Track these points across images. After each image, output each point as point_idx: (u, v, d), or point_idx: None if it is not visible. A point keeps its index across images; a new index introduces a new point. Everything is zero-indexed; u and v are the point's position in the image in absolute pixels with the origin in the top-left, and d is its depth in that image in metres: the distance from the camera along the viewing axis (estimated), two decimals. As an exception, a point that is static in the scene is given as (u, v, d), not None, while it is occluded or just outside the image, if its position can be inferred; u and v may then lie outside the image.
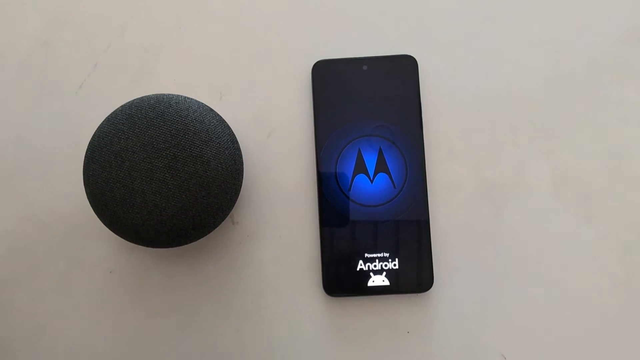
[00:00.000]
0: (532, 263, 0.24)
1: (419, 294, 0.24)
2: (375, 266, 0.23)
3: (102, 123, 0.21)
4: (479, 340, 0.24)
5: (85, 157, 0.21)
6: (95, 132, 0.21)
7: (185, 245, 0.24)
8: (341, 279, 0.23)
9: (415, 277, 0.23)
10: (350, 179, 0.24)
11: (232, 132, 0.22)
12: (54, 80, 0.26)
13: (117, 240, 0.24)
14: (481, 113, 0.25)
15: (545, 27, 0.25)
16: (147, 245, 0.21)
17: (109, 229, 0.21)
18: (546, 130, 0.25)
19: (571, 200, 0.24)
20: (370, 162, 0.24)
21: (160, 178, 0.20)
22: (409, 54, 0.25)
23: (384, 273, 0.23)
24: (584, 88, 0.25)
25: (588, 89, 0.25)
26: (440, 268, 0.24)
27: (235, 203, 0.22)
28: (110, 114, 0.21)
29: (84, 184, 0.21)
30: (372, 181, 0.24)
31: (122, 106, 0.21)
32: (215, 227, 0.22)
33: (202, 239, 0.24)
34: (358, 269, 0.23)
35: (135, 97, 0.22)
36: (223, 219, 0.22)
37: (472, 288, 0.24)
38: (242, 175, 0.22)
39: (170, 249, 0.24)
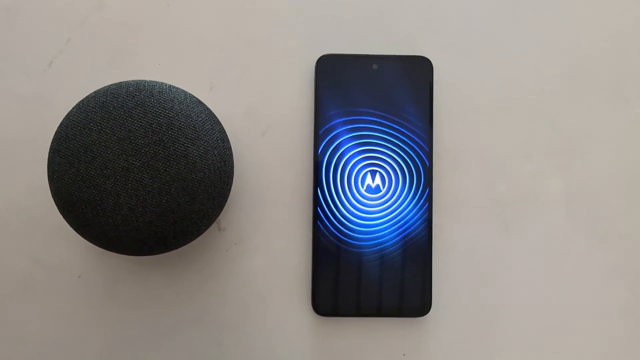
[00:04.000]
0: (538, 285, 0.23)
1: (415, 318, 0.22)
2: (369, 285, 0.22)
3: (71, 110, 0.19)
4: (478, 367, 0.22)
5: (50, 149, 0.19)
6: (62, 121, 0.19)
7: (165, 252, 0.22)
8: (332, 298, 0.22)
9: (412, 300, 0.22)
10: (350, 189, 0.22)
11: (223, 128, 0.20)
12: (18, 55, 0.23)
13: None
14: (495, 123, 0.23)
15: (568, 37, 0.24)
16: (120, 253, 0.19)
17: (77, 232, 0.19)
18: (563, 145, 0.23)
19: (584, 220, 0.23)
20: (373, 171, 0.22)
21: (138, 179, 0.18)
22: (424, 55, 0.23)
23: (379, 294, 0.22)
24: (606, 102, 0.23)
25: (610, 104, 0.23)
26: (440, 288, 0.22)
27: (222, 209, 0.20)
28: (82, 100, 0.19)
29: (49, 180, 0.19)
30: (373, 192, 0.22)
31: (95, 92, 0.19)
32: (199, 235, 0.20)
33: (183, 245, 0.22)
34: (351, 288, 0.22)
35: (112, 82, 0.19)
36: (208, 226, 0.20)
37: (474, 310, 0.23)
38: (232, 178, 0.20)
39: (147, 255, 0.22)
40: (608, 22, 0.24)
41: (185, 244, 0.20)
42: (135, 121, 0.18)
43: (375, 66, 0.22)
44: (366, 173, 0.22)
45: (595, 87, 0.24)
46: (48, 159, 0.19)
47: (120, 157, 0.18)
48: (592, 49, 0.24)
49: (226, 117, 0.22)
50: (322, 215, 0.22)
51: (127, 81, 0.19)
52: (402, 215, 0.22)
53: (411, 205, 0.22)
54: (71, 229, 0.22)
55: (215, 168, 0.19)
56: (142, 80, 0.19)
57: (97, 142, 0.18)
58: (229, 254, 0.23)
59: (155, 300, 0.22)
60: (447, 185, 0.23)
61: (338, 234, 0.22)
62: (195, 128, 0.18)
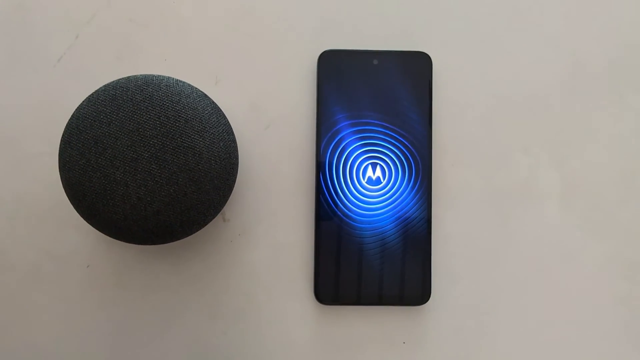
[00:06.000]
0: (535, 276, 0.23)
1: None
2: (370, 275, 0.22)
3: (81, 103, 0.19)
4: (478, 353, 0.23)
5: (61, 141, 0.19)
6: (73, 114, 0.19)
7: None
8: (334, 287, 0.22)
9: (412, 289, 0.22)
10: (351, 181, 0.23)
11: (228, 121, 0.21)
12: (29, 50, 0.23)
13: (96, 231, 0.23)
14: (494, 117, 0.24)
15: (565, 32, 0.24)
16: (129, 242, 0.19)
17: (87, 221, 0.19)
18: (559, 138, 0.24)
19: (580, 212, 0.23)
20: (374, 164, 0.23)
21: (146, 169, 0.18)
22: (423, 50, 0.23)
23: (380, 283, 0.22)
24: (602, 96, 0.24)
25: (606, 98, 0.24)
26: (440, 277, 0.23)
27: (228, 199, 0.21)
28: (92, 94, 0.19)
29: (60, 171, 0.19)
30: (374, 185, 0.23)
31: (105, 86, 0.19)
32: (205, 225, 0.20)
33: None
34: (352, 278, 0.22)
35: (120, 76, 0.20)
36: (214, 216, 0.20)
37: (472, 299, 0.23)
38: (237, 169, 0.21)
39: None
40: (605, 19, 0.24)
41: (191, 234, 0.20)
42: (144, 114, 0.18)
43: (375, 61, 0.23)
44: (367, 165, 0.23)
45: (592, 82, 0.24)
46: (59, 150, 0.19)
47: (129, 148, 0.18)
48: (588, 44, 0.24)
49: (231, 111, 0.22)
50: (324, 206, 0.23)
51: (135, 75, 0.20)
52: (402, 206, 0.23)
53: (411, 196, 0.23)
54: (80, 219, 0.22)
55: (221, 159, 0.19)
56: (150, 75, 0.20)
57: (107, 134, 0.18)
58: (233, 245, 0.23)
59: (162, 290, 0.23)
60: (446, 177, 0.23)
61: (340, 225, 0.22)
62: (202, 120, 0.19)
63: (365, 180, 0.23)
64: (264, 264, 0.23)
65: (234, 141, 0.21)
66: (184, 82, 0.20)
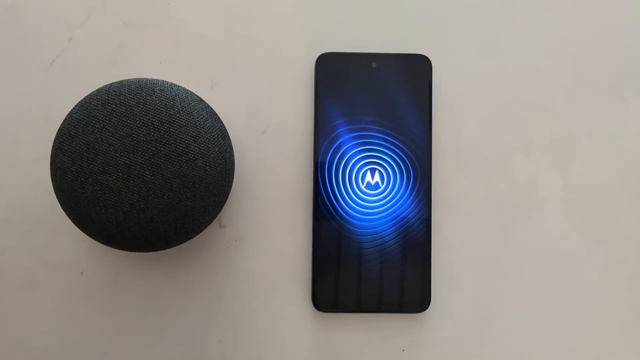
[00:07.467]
0: (535, 282, 0.23)
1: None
2: (369, 282, 0.22)
3: (73, 108, 0.19)
4: (477, 362, 0.23)
5: (53, 146, 0.19)
6: (65, 119, 0.19)
7: (166, 248, 0.22)
8: (332, 294, 0.22)
9: (411, 296, 0.22)
10: (350, 186, 0.22)
11: (224, 126, 0.20)
12: (21, 53, 0.23)
13: (89, 238, 0.22)
14: (494, 120, 0.23)
15: (566, 34, 0.24)
16: (122, 249, 0.19)
17: (79, 229, 0.19)
18: (561, 142, 0.23)
19: (582, 218, 0.23)
20: (372, 168, 0.22)
21: (139, 175, 0.18)
22: (423, 53, 0.23)
23: (379, 290, 0.22)
24: (605, 100, 0.24)
25: (609, 102, 0.24)
26: (439, 284, 0.23)
27: (223, 206, 0.20)
28: (84, 99, 0.19)
29: (52, 178, 0.19)
30: (372, 190, 0.22)
31: (97, 90, 0.19)
32: (200, 232, 0.20)
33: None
34: (351, 285, 0.22)
35: (113, 80, 0.20)
36: (209, 223, 0.20)
37: (473, 307, 0.23)
38: (233, 175, 0.20)
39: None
40: (607, 21, 0.24)
41: (186, 241, 0.20)
42: (137, 119, 0.18)
43: (374, 64, 0.23)
44: (366, 170, 0.23)
45: (594, 85, 0.24)
46: (51, 156, 0.19)
47: (122, 154, 0.18)
48: (590, 47, 0.24)
49: (227, 115, 0.22)
50: (322, 212, 0.22)
51: (129, 79, 0.19)
52: (401, 211, 0.22)
53: (410, 201, 0.22)
54: (73, 226, 0.22)
55: (216, 165, 0.19)
56: (143, 79, 0.19)
57: (99, 139, 0.18)
58: (229, 251, 0.23)
59: (157, 297, 0.22)
60: (446, 182, 0.23)
61: (338, 231, 0.22)
62: (197, 125, 0.19)
63: (364, 185, 0.22)
64: (260, 270, 0.23)
65: (230, 146, 0.20)
66: (178, 86, 0.20)
